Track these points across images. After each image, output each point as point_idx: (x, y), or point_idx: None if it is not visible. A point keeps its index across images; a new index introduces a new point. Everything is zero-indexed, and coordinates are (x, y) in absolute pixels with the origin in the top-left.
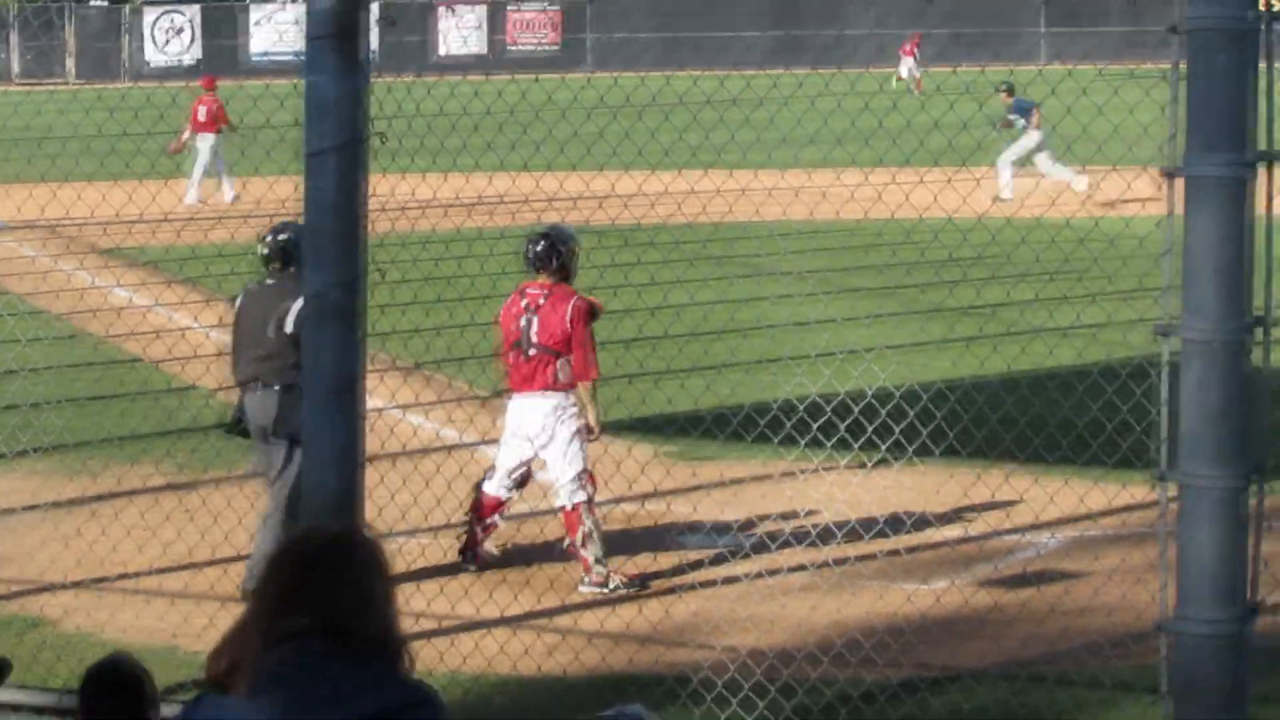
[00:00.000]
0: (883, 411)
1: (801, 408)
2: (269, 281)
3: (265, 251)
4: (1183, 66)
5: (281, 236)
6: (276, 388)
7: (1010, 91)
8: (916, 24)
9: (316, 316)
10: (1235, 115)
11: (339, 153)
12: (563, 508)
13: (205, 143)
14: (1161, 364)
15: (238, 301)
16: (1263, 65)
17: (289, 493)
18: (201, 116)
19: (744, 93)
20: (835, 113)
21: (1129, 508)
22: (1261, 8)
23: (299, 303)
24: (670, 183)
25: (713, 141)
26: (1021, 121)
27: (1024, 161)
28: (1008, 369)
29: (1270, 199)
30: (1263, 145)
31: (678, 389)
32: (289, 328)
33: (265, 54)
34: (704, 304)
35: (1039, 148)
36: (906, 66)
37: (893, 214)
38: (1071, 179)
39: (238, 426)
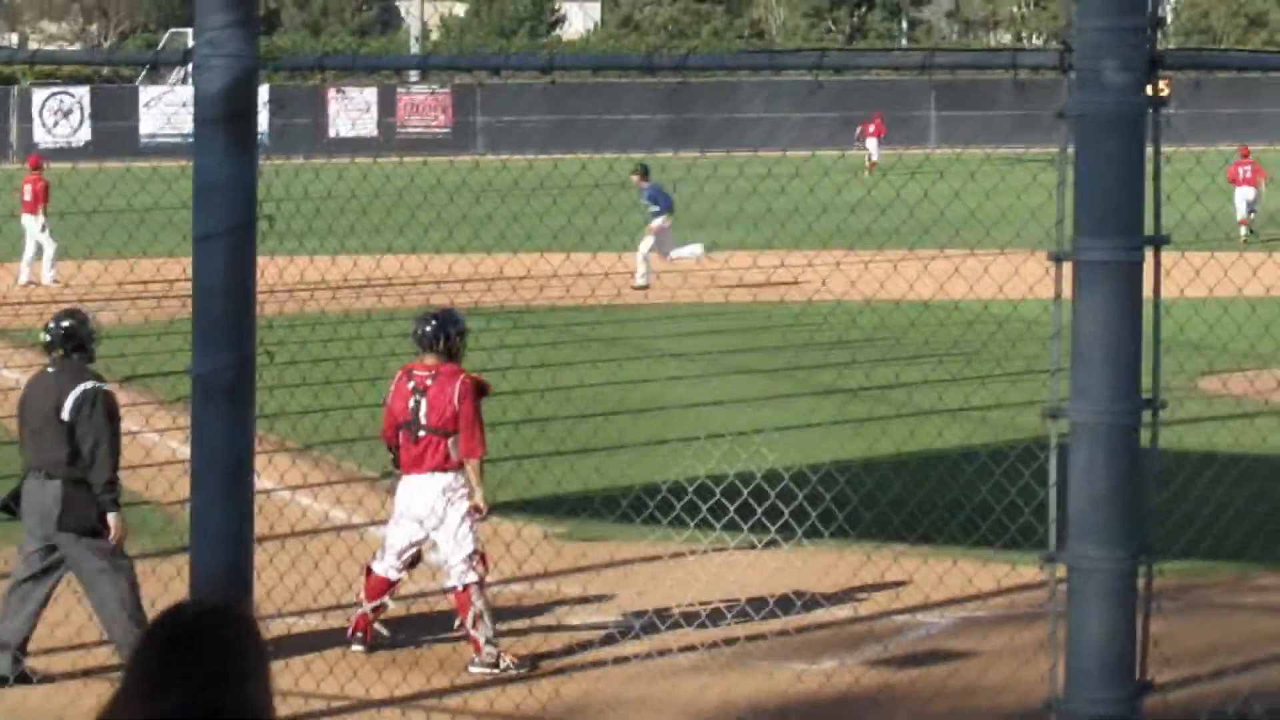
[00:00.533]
0: (772, 493)
1: (691, 489)
2: (50, 369)
3: (47, 339)
4: (1071, 151)
5: (64, 323)
6: (58, 480)
7: (644, 174)
8: (805, 107)
9: (205, 397)
10: (1123, 199)
11: (228, 236)
12: (453, 588)
13: (34, 223)
14: (1050, 446)
15: (23, 389)
16: (1149, 150)
17: (125, 585)
18: (27, 196)
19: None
20: (724, 196)
21: (1018, 589)
22: (1148, 92)
23: (77, 390)
24: (559, 265)
25: (600, 225)
26: (654, 208)
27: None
28: (897, 451)
29: (1158, 282)
30: (1150, 229)
31: (567, 470)
32: (65, 415)
33: (153, 136)
34: (594, 386)
35: (658, 244)
36: (872, 146)
37: (782, 298)
38: (692, 252)
39: (5, 509)
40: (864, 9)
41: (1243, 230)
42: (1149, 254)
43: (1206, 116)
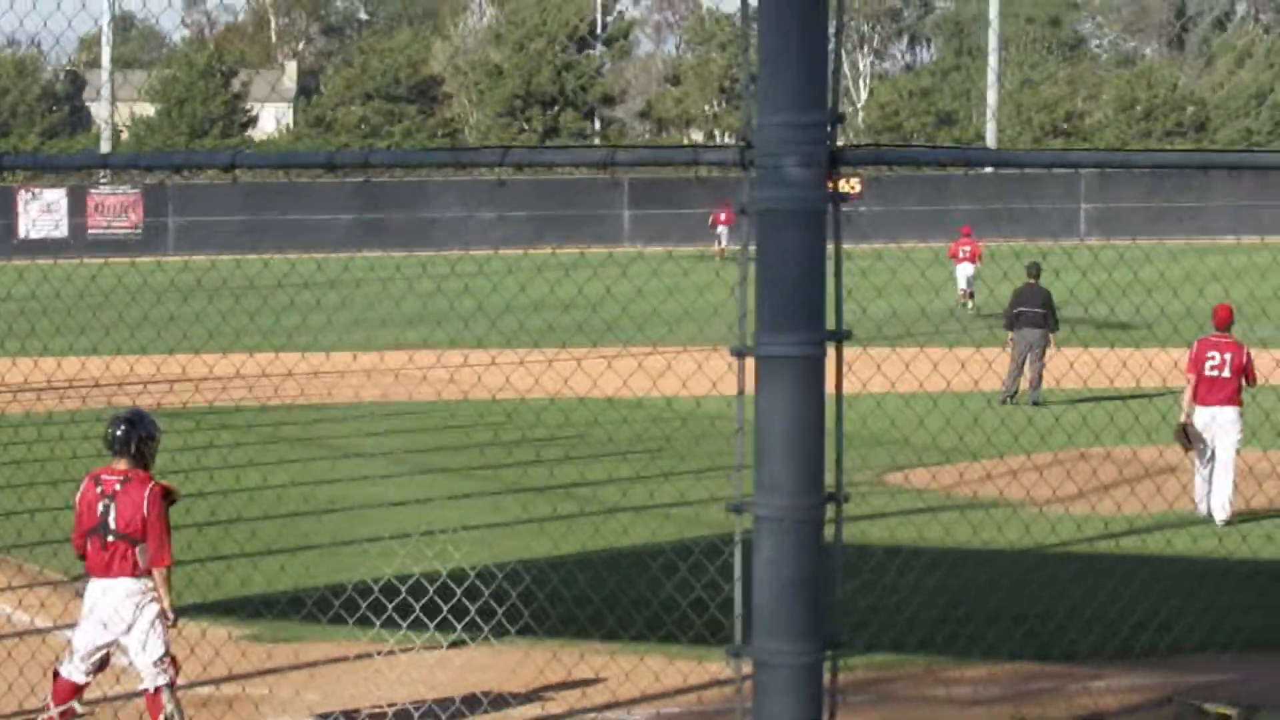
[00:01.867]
0: (459, 591)
1: (377, 588)
2: None
3: None
4: (753, 247)
5: None
6: None
7: None
8: (494, 204)
9: None
10: (805, 294)
11: None
12: (145, 691)
13: None
14: (735, 540)
15: None
16: (830, 246)
17: None
18: None
19: (315, 274)
20: (407, 295)
21: (706, 685)
22: (829, 188)
23: None
24: (242, 365)
25: (284, 324)
26: None
27: None
28: (583, 548)
29: (840, 377)
30: (831, 325)
31: (252, 570)
32: None
33: None
34: (278, 486)
35: None
36: (723, 233)
37: (465, 394)
38: None
39: None
40: (557, 109)
41: (968, 303)
42: (830, 349)
43: (903, 213)
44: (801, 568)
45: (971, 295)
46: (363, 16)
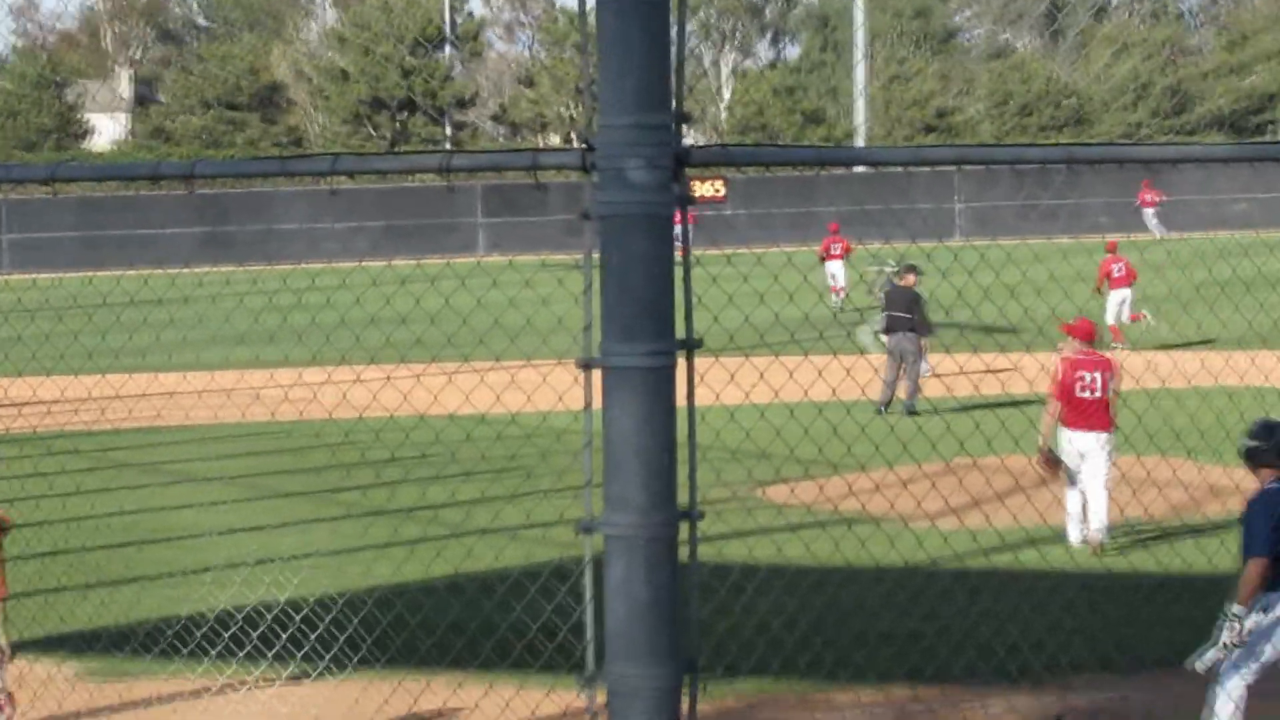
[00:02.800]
0: (296, 620)
1: (210, 620)
2: None
3: None
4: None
5: None
6: None
7: None
8: (350, 216)
9: None
10: (653, 303)
11: None
12: None
13: None
14: (585, 561)
15: None
16: (679, 254)
17: None
18: None
19: (169, 291)
20: (268, 309)
21: (560, 715)
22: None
23: None
24: (94, 386)
25: (135, 343)
26: None
27: None
28: (426, 572)
29: (691, 388)
30: (681, 333)
31: (79, 603)
32: None
33: None
34: (107, 514)
35: None
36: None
37: (301, 413)
38: None
39: None
40: (406, 114)
41: (839, 299)
42: (681, 358)
43: (769, 216)
44: (655, 588)
45: (844, 291)
46: (201, 22)
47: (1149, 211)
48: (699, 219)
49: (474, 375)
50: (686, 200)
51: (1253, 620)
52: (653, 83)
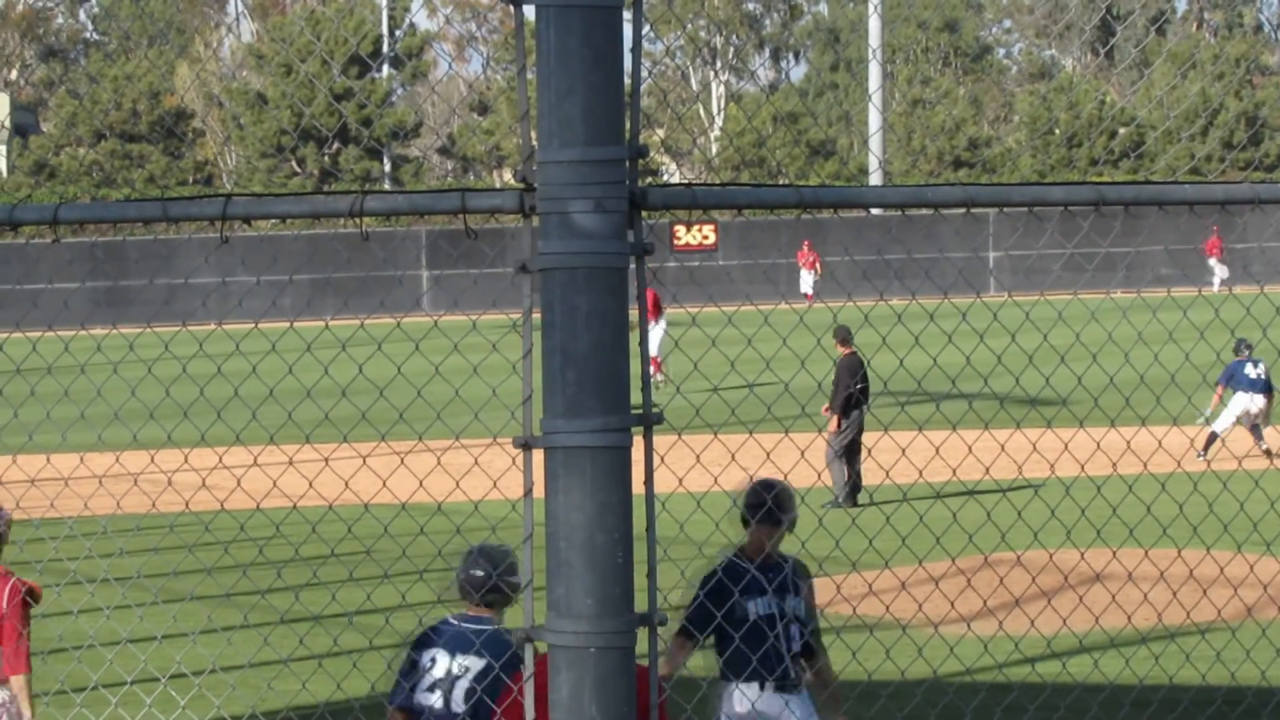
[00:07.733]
0: None
1: None
2: None
3: None
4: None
5: None
6: None
7: None
8: (275, 270)
9: None
10: (604, 371)
11: None
12: None
13: None
14: (526, 677)
15: None
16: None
17: None
18: None
19: (62, 357)
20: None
21: None
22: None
23: None
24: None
25: (23, 420)
26: None
27: None
28: (372, 689)
29: (650, 470)
30: (636, 403)
31: None
32: None
33: None
34: None
35: None
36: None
37: (222, 503)
38: None
39: None
40: (337, 146)
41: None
42: (638, 436)
43: (767, 267)
44: (608, 707)
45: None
46: (91, 36)
47: (1212, 261)
48: (690, 270)
49: (392, 457)
50: (643, 250)
51: None
52: (602, 110)
